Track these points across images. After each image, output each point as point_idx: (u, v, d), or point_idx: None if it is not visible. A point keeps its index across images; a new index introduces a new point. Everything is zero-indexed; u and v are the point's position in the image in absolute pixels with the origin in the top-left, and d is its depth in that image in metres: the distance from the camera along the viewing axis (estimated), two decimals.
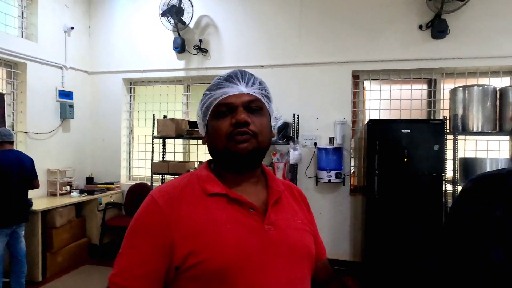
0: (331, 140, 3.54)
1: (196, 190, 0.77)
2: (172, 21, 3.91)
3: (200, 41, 4.03)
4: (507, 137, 3.41)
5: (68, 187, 3.98)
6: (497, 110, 3.06)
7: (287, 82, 3.80)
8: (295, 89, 3.78)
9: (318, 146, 3.58)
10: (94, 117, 4.48)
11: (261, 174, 0.87)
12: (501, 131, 3.05)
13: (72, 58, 4.21)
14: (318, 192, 3.70)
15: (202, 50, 4.02)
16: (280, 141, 3.45)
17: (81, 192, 3.92)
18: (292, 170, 3.57)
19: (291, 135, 3.51)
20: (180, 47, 4.00)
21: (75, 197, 3.79)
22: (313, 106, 3.72)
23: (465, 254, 0.71)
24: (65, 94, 4.08)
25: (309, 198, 3.53)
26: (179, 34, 4.02)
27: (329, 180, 3.45)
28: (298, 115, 3.64)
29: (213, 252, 0.68)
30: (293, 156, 3.36)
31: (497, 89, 3.07)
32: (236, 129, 0.75)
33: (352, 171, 3.76)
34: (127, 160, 4.51)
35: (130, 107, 4.54)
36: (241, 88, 0.77)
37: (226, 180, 0.80)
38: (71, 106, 4.11)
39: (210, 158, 0.88)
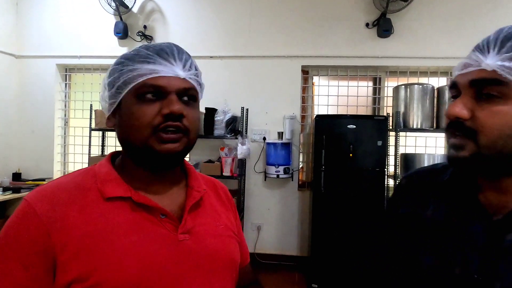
0: (280, 135, 3.50)
1: (91, 192, 0.60)
2: (113, 3, 3.60)
3: (145, 27, 3.76)
4: (443, 134, 3.61)
5: None
6: (435, 108, 3.21)
7: (236, 75, 3.69)
8: (245, 82, 3.68)
9: (267, 141, 3.52)
10: (22, 106, 4.00)
11: (180, 172, 0.73)
12: (437, 128, 3.21)
13: None
14: (267, 187, 3.65)
15: (146, 37, 3.76)
16: (228, 135, 3.33)
17: (5, 189, 3.48)
18: (241, 165, 3.47)
19: (239, 129, 3.41)
20: (122, 33, 3.69)
21: None
22: (263, 100, 3.65)
23: (399, 258, 0.66)
24: None
25: (257, 193, 3.43)
26: (121, 19, 3.71)
27: (278, 176, 3.41)
28: (247, 109, 3.55)
29: (108, 273, 0.53)
30: (241, 151, 3.26)
31: (435, 88, 3.23)
32: (167, 121, 0.59)
33: (300, 166, 3.76)
34: (61, 154, 4.11)
35: (65, 96, 4.13)
36: (177, 70, 0.62)
37: (133, 179, 0.64)
38: None
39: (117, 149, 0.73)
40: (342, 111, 3.72)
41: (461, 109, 0.55)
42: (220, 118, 3.36)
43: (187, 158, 3.73)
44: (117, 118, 0.65)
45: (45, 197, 0.58)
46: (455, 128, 0.57)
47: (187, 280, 0.61)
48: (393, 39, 3.48)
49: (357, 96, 3.71)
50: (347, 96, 3.73)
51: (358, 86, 3.72)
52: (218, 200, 0.79)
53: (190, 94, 0.64)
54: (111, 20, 3.78)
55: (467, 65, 0.56)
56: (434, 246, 0.59)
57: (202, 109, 3.42)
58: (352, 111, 3.69)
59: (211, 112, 3.38)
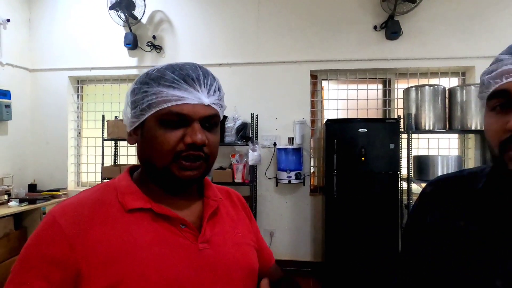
0: (291, 140, 3.49)
1: (112, 206, 0.62)
2: (123, 15, 3.66)
3: (154, 37, 3.82)
4: (456, 135, 3.56)
5: (6, 196, 3.58)
6: (447, 109, 3.17)
7: (245, 81, 3.71)
8: (254, 89, 3.69)
9: (278, 146, 3.52)
10: (37, 118, 4.09)
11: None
12: (450, 129, 3.16)
13: (9, 53, 3.81)
14: (279, 193, 3.64)
15: (156, 47, 3.81)
16: (239, 142, 3.35)
17: (21, 201, 3.54)
18: (252, 172, 3.48)
19: (250, 136, 3.42)
20: (132, 44, 3.76)
21: (13, 206, 3.42)
22: (272, 106, 3.66)
23: (427, 266, 0.65)
24: (1, 93, 3.68)
25: (269, 199, 3.41)
26: (130, 30, 3.78)
27: (289, 181, 3.40)
28: (257, 115, 3.56)
29: (133, 284, 0.55)
30: (252, 157, 3.27)
31: (447, 89, 3.19)
32: (189, 150, 0.61)
33: (312, 171, 3.75)
34: (75, 165, 4.17)
35: (77, 107, 4.20)
36: (202, 97, 0.62)
37: (151, 192, 0.66)
38: (8, 106, 3.71)
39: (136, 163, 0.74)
40: (352, 114, 3.70)
41: None
42: (231, 125, 3.37)
43: None
44: (139, 136, 0.66)
45: (69, 211, 0.59)
46: None
47: None
48: (402, 40, 3.46)
49: (367, 99, 3.69)
50: (357, 99, 3.71)
51: (367, 89, 3.70)
52: (234, 208, 0.80)
53: (213, 121, 0.65)
54: (121, 32, 3.84)
55: None
56: (471, 258, 0.57)
57: None
58: (362, 115, 3.67)
59: (222, 119, 3.39)
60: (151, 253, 0.58)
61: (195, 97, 0.62)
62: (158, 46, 3.82)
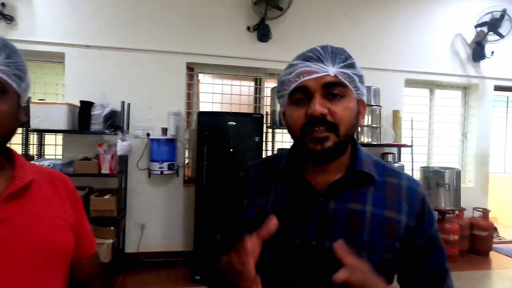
0: (164, 131, 3.46)
1: None
2: None
3: (3, 4, 3.25)
4: None
5: None
6: None
7: (117, 67, 3.49)
8: (126, 76, 3.51)
9: (151, 137, 3.44)
10: None
11: (5, 161, 0.72)
12: None
13: None
14: (151, 184, 3.58)
15: (5, 17, 3.25)
16: (107, 131, 3.15)
17: None
18: (122, 163, 3.32)
19: (120, 125, 3.25)
20: None
21: None
22: (147, 95, 3.55)
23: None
24: None
25: (141, 191, 3.31)
26: None
27: (162, 172, 3.38)
28: (129, 104, 3.41)
29: None
30: (121, 147, 3.12)
31: None
32: None
33: (186, 162, 3.80)
34: None
35: None
36: None
37: None
38: None
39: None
40: (226, 108, 3.89)
41: (322, 107, 0.68)
42: (98, 113, 3.15)
43: (60, 155, 3.39)
44: None
45: None
46: (318, 124, 0.68)
47: None
48: (272, 43, 3.79)
49: (240, 95, 3.93)
50: (231, 94, 3.91)
51: (241, 86, 3.94)
52: (54, 192, 0.78)
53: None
54: None
55: (311, 72, 0.70)
56: (279, 228, 0.66)
57: (76, 102, 3.15)
58: (236, 109, 3.90)
59: (87, 105, 3.14)
60: None
61: None
62: (9, 16, 3.27)
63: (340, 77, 0.70)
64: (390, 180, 0.77)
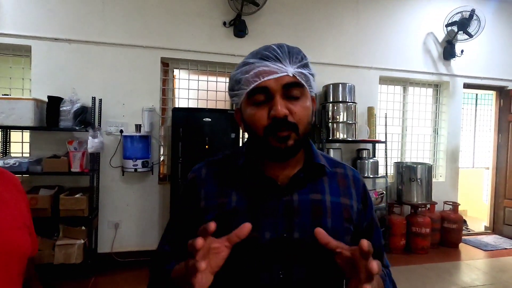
0: (138, 127, 3.38)
1: None
2: None
3: None
4: None
5: None
6: None
7: (88, 62, 3.37)
8: (98, 71, 3.40)
9: (124, 133, 3.35)
10: None
11: None
12: None
13: None
14: (125, 183, 3.49)
15: None
16: (77, 128, 3.04)
17: None
18: (94, 160, 3.22)
19: (91, 121, 3.15)
20: None
21: None
22: (119, 91, 3.45)
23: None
24: None
25: (115, 189, 3.23)
26: None
27: (136, 169, 3.29)
28: (101, 99, 3.30)
29: None
30: (92, 144, 3.02)
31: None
32: None
33: (161, 159, 3.73)
34: None
35: None
36: None
37: None
38: None
39: None
40: (202, 105, 3.84)
41: (285, 109, 0.69)
42: (67, 109, 3.04)
43: (27, 153, 3.24)
44: None
45: None
46: (281, 126, 0.69)
47: None
48: (248, 39, 3.77)
49: (216, 91, 3.89)
50: (207, 90, 3.87)
51: (217, 82, 3.90)
52: (7, 191, 0.75)
53: None
54: None
55: (271, 72, 0.69)
56: (243, 220, 0.65)
57: (44, 97, 3.03)
58: (211, 105, 3.85)
59: (55, 101, 3.02)
60: None
61: None
62: None
63: (297, 77, 0.71)
64: (339, 171, 0.84)
